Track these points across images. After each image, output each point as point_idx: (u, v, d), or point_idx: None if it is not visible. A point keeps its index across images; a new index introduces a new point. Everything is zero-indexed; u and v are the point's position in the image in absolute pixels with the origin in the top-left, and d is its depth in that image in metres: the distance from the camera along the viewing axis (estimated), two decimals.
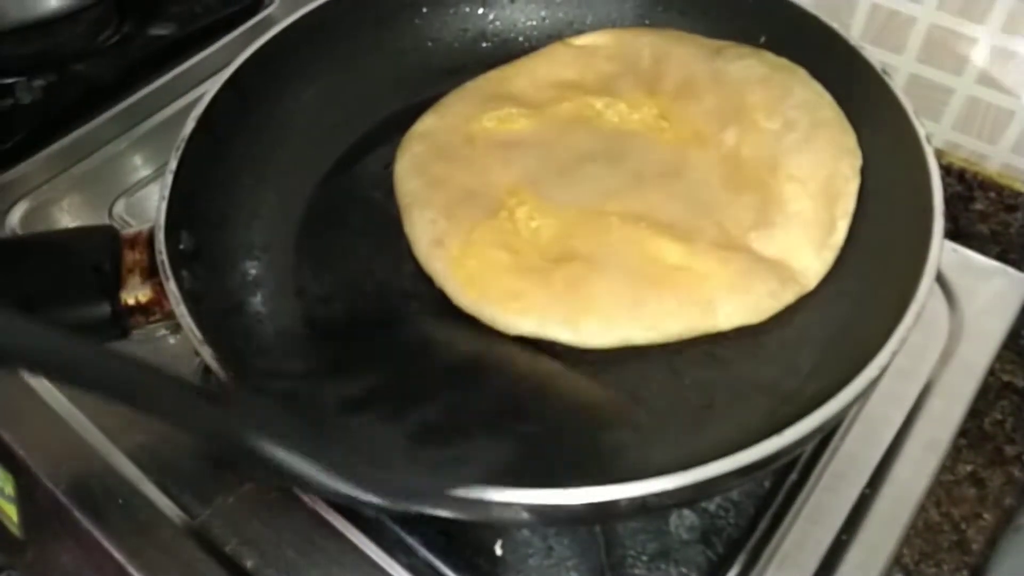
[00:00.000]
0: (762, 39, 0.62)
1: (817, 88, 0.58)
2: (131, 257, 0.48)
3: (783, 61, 0.60)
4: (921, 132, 0.50)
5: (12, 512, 0.61)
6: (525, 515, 0.39)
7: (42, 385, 0.60)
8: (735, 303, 0.49)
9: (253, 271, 0.54)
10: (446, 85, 0.64)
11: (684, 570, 0.51)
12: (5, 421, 0.59)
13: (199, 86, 0.79)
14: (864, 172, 0.54)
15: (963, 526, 0.55)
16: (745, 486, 0.53)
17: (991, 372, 0.60)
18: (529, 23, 0.68)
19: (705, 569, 0.51)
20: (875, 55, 0.54)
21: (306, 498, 0.54)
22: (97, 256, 0.48)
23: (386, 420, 0.45)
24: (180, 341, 0.61)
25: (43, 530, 0.60)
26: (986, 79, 0.65)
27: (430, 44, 0.67)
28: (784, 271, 0.51)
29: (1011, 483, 0.57)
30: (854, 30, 0.69)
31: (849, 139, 0.55)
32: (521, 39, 0.68)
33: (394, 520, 0.53)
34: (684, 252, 0.51)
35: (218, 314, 0.49)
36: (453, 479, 0.37)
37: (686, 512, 0.52)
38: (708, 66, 0.60)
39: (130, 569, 0.52)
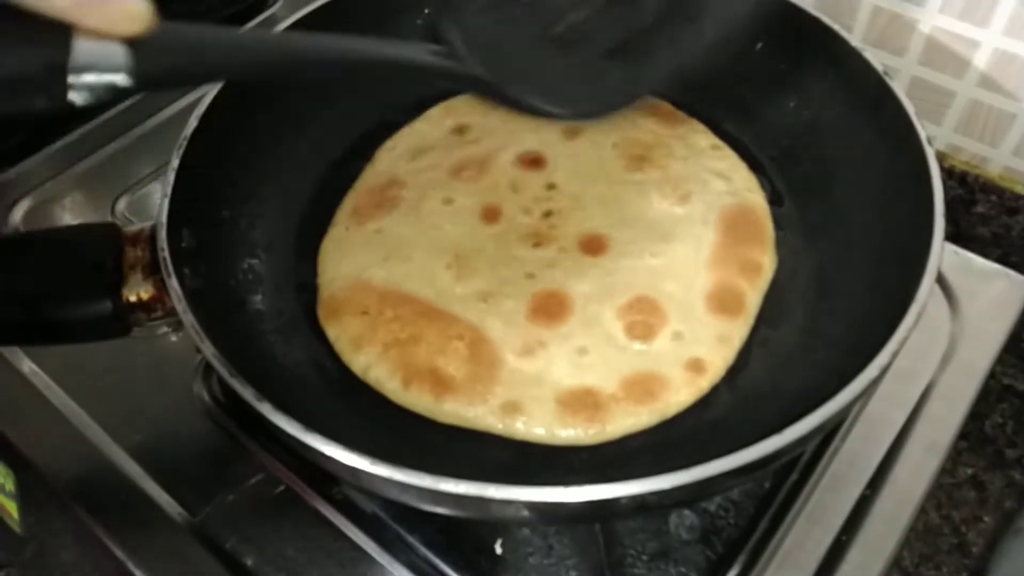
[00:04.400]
0: (761, 43, 0.62)
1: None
2: (133, 254, 0.48)
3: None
4: (923, 135, 0.50)
5: (13, 509, 0.61)
6: (525, 513, 0.39)
7: (43, 382, 0.60)
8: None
9: (254, 269, 0.54)
10: (447, 85, 0.64)
11: (684, 570, 0.51)
12: (7, 418, 0.59)
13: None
14: (867, 176, 0.54)
15: (963, 529, 0.55)
16: (745, 486, 0.53)
17: (992, 375, 0.60)
18: None
19: (705, 569, 0.51)
20: (877, 57, 0.55)
21: (306, 496, 0.54)
22: (99, 253, 0.48)
23: None
24: (182, 338, 0.61)
25: (44, 527, 0.60)
26: (988, 82, 0.65)
27: (431, 44, 0.67)
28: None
29: (1011, 486, 0.57)
30: (856, 32, 0.69)
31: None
32: None
33: (394, 518, 0.53)
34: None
35: (219, 311, 0.49)
36: None
37: (686, 512, 0.52)
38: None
39: (130, 566, 0.52)
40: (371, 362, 0.50)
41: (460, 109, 0.64)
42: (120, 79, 0.31)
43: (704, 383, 0.49)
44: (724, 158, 0.60)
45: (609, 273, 0.53)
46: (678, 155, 0.59)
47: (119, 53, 0.31)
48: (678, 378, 0.49)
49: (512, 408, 0.48)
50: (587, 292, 0.52)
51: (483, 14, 0.51)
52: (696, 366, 0.49)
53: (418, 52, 0.46)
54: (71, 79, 0.30)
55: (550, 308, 0.51)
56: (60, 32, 0.29)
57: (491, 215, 0.56)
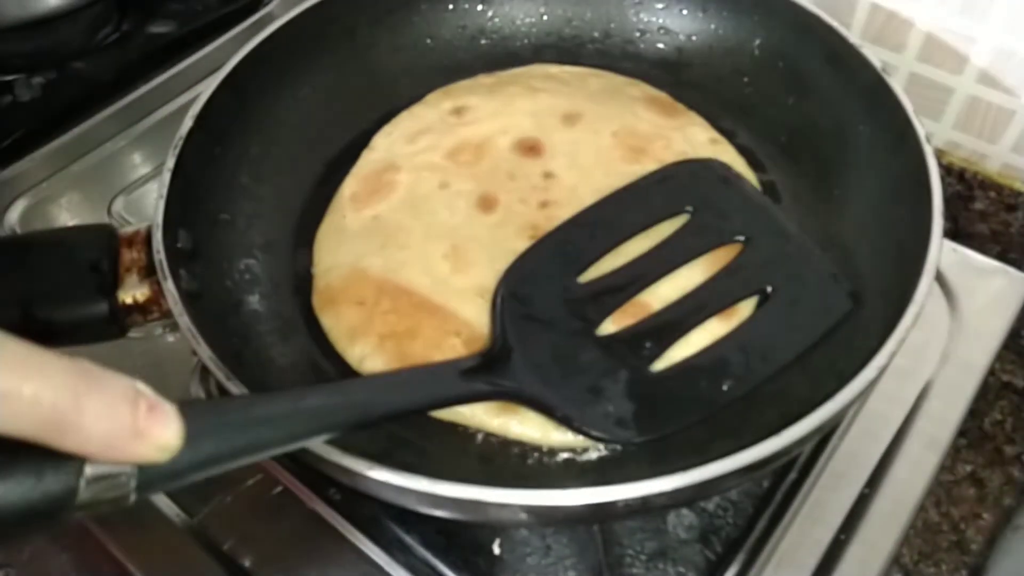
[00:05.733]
0: (759, 39, 0.62)
1: None
2: (129, 256, 0.48)
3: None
4: (921, 132, 0.50)
5: None
6: (523, 516, 0.39)
7: None
8: None
9: (251, 270, 0.54)
10: (444, 82, 0.64)
11: (682, 569, 0.51)
12: None
13: (198, 84, 0.79)
14: (865, 172, 0.54)
15: (962, 526, 0.55)
16: (744, 486, 0.53)
17: (991, 372, 0.60)
18: (528, 20, 0.68)
19: (703, 568, 0.51)
20: (875, 54, 0.54)
21: (304, 497, 0.54)
22: (95, 255, 0.48)
23: None
24: (178, 340, 0.61)
25: None
26: (986, 78, 0.65)
27: (428, 41, 0.67)
28: None
29: (1010, 483, 0.57)
30: (854, 29, 0.69)
31: None
32: (520, 36, 0.68)
33: (392, 519, 0.53)
34: None
35: (216, 313, 0.49)
36: None
37: (684, 511, 0.52)
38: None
39: (128, 567, 0.52)
40: (367, 353, 0.50)
41: (458, 92, 0.64)
42: (124, 495, 0.28)
43: None
44: (722, 152, 0.59)
45: None
46: (676, 148, 0.59)
47: (130, 477, 0.28)
48: None
49: (506, 407, 0.47)
50: None
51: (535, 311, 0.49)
52: None
53: (463, 387, 0.44)
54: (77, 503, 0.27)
55: None
56: (71, 463, 0.26)
57: (488, 204, 0.56)
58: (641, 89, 0.63)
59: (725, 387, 0.46)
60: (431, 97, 0.64)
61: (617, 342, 0.48)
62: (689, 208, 0.54)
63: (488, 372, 0.45)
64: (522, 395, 0.45)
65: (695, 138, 0.60)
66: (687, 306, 0.50)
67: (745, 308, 0.50)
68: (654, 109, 0.62)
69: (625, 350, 0.48)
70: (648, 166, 0.57)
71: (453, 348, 0.49)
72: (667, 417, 0.46)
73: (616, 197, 0.55)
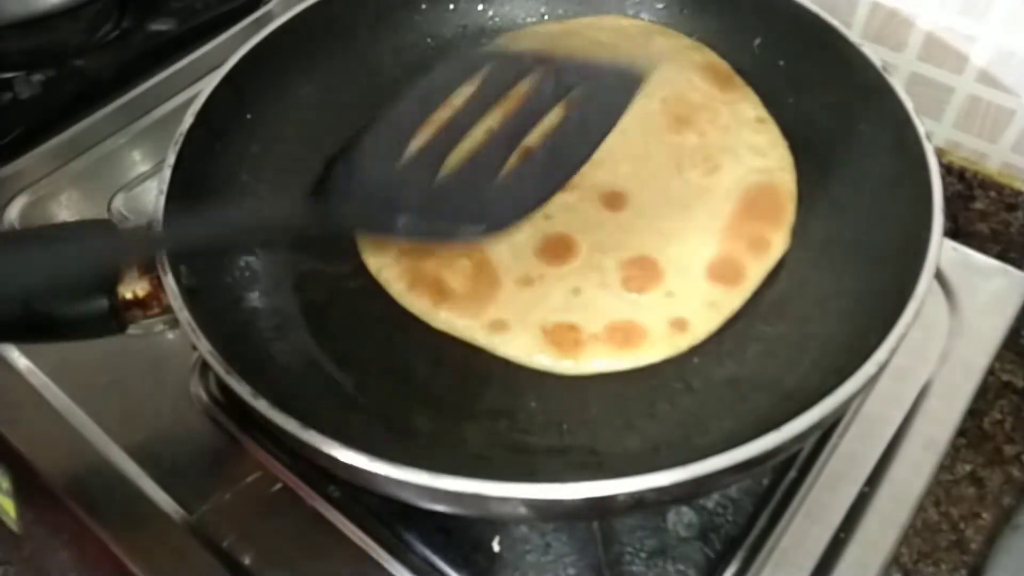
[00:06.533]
0: (759, 39, 0.62)
1: None
2: None
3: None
4: (921, 131, 0.50)
5: (10, 507, 0.61)
6: (523, 510, 0.39)
7: (40, 380, 0.60)
8: None
9: (251, 267, 0.54)
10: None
11: (682, 567, 0.51)
12: (3, 416, 0.59)
13: (198, 82, 0.79)
14: (865, 171, 0.54)
15: (962, 525, 0.55)
16: (743, 483, 0.53)
17: (990, 371, 0.60)
18: (529, 20, 0.68)
19: (703, 566, 0.51)
20: (876, 53, 0.54)
21: (303, 494, 0.54)
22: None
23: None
24: (178, 336, 0.61)
25: (41, 525, 0.60)
26: (986, 78, 0.65)
27: (429, 40, 0.67)
28: None
29: (1010, 483, 0.57)
30: (854, 28, 0.69)
31: None
32: None
33: (392, 516, 0.53)
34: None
35: (216, 309, 0.48)
36: None
37: (684, 509, 0.52)
38: None
39: (127, 564, 0.52)
40: (386, 263, 0.54)
41: (525, 37, 0.65)
42: None
43: (683, 343, 0.50)
44: (766, 132, 0.59)
45: (621, 230, 0.54)
46: (720, 123, 0.59)
47: None
48: (659, 331, 0.50)
49: (499, 326, 0.50)
50: (596, 242, 0.54)
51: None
52: (680, 325, 0.50)
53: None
54: None
55: (558, 249, 0.54)
56: None
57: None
58: (704, 55, 0.63)
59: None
60: (500, 41, 0.65)
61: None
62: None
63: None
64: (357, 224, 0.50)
65: (743, 114, 0.60)
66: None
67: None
68: (710, 79, 0.62)
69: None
70: (689, 137, 0.58)
71: (462, 268, 0.53)
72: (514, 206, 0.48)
73: None
